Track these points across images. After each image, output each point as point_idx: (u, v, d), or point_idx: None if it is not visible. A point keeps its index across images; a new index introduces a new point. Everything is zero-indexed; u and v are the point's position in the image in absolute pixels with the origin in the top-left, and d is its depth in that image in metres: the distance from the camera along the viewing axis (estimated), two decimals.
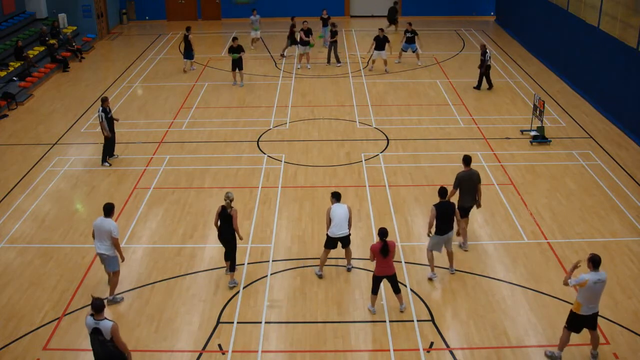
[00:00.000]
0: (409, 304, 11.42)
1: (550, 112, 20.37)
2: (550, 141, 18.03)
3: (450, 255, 12.20)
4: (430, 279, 12.08)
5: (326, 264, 12.36)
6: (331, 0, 31.86)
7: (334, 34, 25.29)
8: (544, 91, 22.46)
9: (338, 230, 11.75)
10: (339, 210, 11.77)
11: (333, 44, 25.55)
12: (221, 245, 12.15)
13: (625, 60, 19.26)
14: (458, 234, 12.97)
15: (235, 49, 22.60)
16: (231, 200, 11.66)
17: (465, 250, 12.89)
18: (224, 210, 11.65)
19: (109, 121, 16.78)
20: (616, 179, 16.00)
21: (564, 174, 16.27)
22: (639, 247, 13.14)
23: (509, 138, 18.48)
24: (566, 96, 22.12)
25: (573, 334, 9.93)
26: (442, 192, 11.87)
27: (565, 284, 9.70)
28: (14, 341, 10.68)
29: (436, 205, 11.74)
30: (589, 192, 15.36)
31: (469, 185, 12.67)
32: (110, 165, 17.07)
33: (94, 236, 11.39)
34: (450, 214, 11.78)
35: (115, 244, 11.22)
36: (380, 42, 23.99)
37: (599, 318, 10.90)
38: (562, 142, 18.18)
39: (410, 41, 25.27)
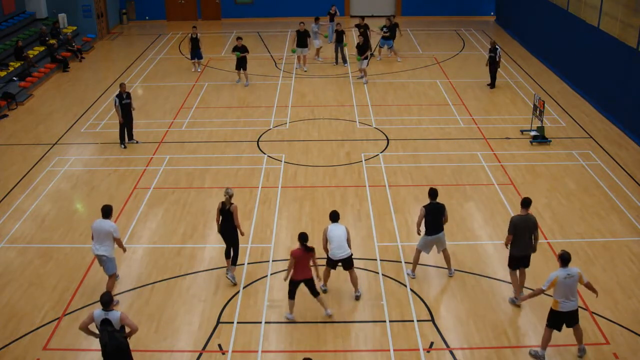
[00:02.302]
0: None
1: (550, 112, 20.37)
2: (550, 141, 18.03)
3: (446, 257, 12.14)
4: (408, 275, 12.13)
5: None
6: (332, 0, 31.82)
7: (340, 35, 25.04)
8: (544, 91, 22.46)
9: (339, 252, 11.25)
10: (337, 231, 11.27)
11: (339, 44, 25.28)
12: (221, 245, 12.15)
13: (625, 60, 19.26)
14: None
15: (240, 49, 22.58)
16: (230, 196, 11.69)
17: (519, 301, 11.50)
18: (224, 206, 11.70)
19: (123, 106, 17.64)
20: (616, 179, 16.00)
21: (564, 174, 16.27)
22: (639, 247, 13.15)
23: (509, 138, 18.48)
24: (566, 96, 22.12)
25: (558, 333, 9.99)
26: (432, 193, 11.79)
27: (523, 298, 10.18)
28: (14, 341, 10.68)
29: (425, 206, 11.73)
30: (589, 192, 15.36)
31: (525, 231, 11.10)
32: (126, 147, 18.00)
33: (93, 238, 11.45)
34: (439, 214, 11.73)
35: (118, 243, 11.36)
36: (301, 37, 24.08)
37: (599, 318, 10.95)
38: (562, 142, 18.18)
39: (386, 37, 25.41)
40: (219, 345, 10.53)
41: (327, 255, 11.41)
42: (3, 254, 13.20)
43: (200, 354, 10.36)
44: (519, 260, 11.30)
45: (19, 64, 24.25)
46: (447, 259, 12.15)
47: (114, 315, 8.95)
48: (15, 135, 19.39)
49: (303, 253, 10.71)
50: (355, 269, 11.63)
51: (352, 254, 11.41)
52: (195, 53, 24.86)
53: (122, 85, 17.90)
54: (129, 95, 17.92)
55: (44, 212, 14.85)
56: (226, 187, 12.02)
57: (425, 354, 10.29)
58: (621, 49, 19.45)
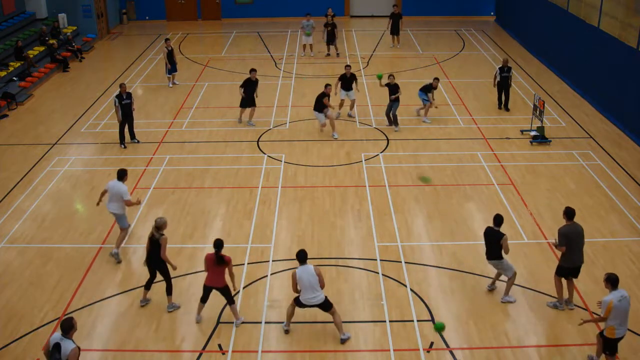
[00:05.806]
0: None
1: (550, 112, 20.37)
2: (550, 141, 18.03)
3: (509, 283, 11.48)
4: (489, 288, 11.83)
5: (326, 264, 12.35)
6: (331, 1, 31.84)
7: (394, 89, 18.93)
8: (544, 91, 22.46)
9: (310, 298, 10.34)
10: (304, 276, 10.24)
11: (394, 103, 19.03)
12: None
13: (625, 60, 19.26)
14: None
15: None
16: (159, 227, 10.92)
17: (571, 309, 11.33)
18: (153, 236, 10.99)
19: (123, 107, 17.73)
20: (616, 179, 16.00)
21: (564, 174, 16.27)
22: (639, 247, 13.14)
23: (509, 138, 18.48)
24: (566, 96, 22.12)
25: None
26: (496, 219, 11.21)
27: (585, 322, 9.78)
28: (14, 341, 10.68)
29: (486, 229, 11.37)
30: (589, 192, 15.36)
31: (577, 242, 10.93)
32: (126, 147, 18.11)
33: (101, 196, 13.01)
34: (493, 241, 11.13)
35: (127, 204, 12.79)
36: (347, 82, 19.58)
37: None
38: (562, 142, 18.18)
39: (426, 89, 19.50)
40: (219, 345, 10.53)
41: (298, 298, 10.56)
42: (3, 254, 13.20)
43: (200, 354, 10.36)
44: (568, 271, 11.12)
45: (19, 64, 24.25)
46: (509, 282, 11.47)
47: (67, 345, 8.50)
48: (15, 135, 19.39)
49: (213, 261, 10.56)
50: (355, 268, 11.61)
51: (325, 298, 10.42)
52: (172, 67, 23.10)
53: (122, 86, 17.89)
54: (129, 96, 17.90)
55: (44, 212, 14.85)
56: (159, 216, 11.44)
57: (425, 354, 10.29)
58: (621, 49, 19.45)
